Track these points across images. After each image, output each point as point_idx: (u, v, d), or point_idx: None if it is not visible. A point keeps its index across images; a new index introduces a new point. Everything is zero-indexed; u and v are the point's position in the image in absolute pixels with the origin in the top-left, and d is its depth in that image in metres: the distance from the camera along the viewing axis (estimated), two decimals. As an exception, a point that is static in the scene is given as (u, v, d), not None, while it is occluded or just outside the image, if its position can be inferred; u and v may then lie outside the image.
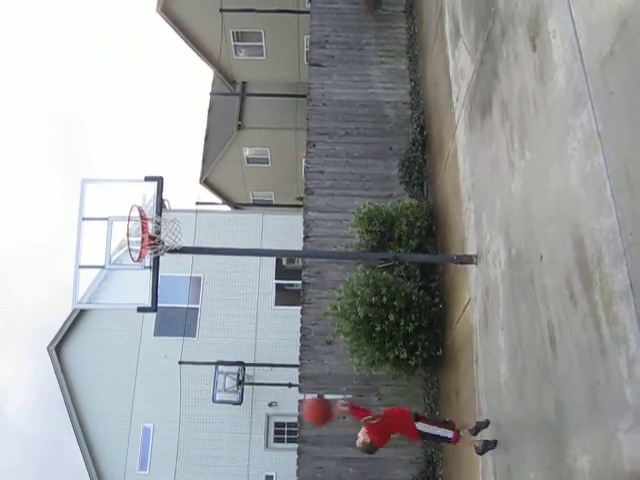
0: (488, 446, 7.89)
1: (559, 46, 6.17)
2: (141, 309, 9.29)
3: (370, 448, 7.89)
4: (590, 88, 5.48)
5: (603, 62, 5.24)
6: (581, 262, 5.61)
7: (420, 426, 7.91)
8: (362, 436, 7.86)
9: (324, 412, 7.90)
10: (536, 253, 6.75)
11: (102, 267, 9.71)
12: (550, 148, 6.38)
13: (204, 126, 31.28)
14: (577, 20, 5.76)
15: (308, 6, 19.15)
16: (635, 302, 4.69)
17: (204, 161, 30.50)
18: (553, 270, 6.29)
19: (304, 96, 16.38)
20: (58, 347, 21.22)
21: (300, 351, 13.10)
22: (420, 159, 13.60)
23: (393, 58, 15.79)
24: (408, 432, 8.01)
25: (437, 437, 8.08)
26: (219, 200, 31.46)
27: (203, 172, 30.26)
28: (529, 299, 6.95)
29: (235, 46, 25.16)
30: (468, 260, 9.34)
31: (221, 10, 22.35)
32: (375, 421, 7.73)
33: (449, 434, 7.94)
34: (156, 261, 9.04)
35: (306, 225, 13.90)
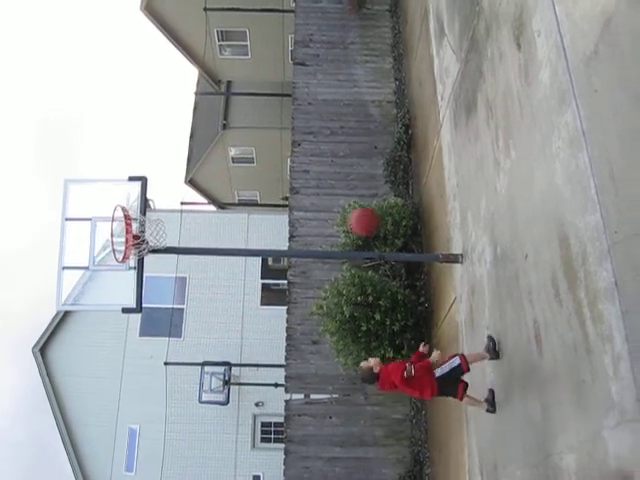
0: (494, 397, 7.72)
1: (543, 45, 6.18)
2: (126, 310, 9.23)
3: (371, 378, 7.79)
4: (574, 87, 5.49)
5: (587, 61, 5.25)
6: (566, 260, 5.62)
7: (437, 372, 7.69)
8: (374, 363, 7.75)
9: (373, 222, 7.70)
10: (521, 252, 6.76)
11: (86, 268, 9.65)
12: (535, 147, 6.39)
13: (189, 125, 31.17)
14: (561, 19, 5.77)
15: (293, 5, 19.12)
16: (620, 300, 4.70)
17: (189, 161, 30.38)
18: (538, 269, 6.30)
19: (289, 95, 16.35)
20: (43, 349, 21.06)
21: (286, 351, 13.07)
22: (405, 158, 13.60)
23: (378, 57, 15.79)
24: (427, 387, 7.68)
25: (451, 374, 7.67)
26: (204, 200, 31.35)
27: (188, 172, 30.14)
28: (514, 298, 6.96)
29: (220, 45, 25.07)
30: (453, 259, 9.35)
31: (205, 9, 22.27)
32: (408, 375, 7.51)
33: (456, 361, 7.64)
34: (140, 262, 8.98)
35: (291, 225, 13.88)
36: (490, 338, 7.73)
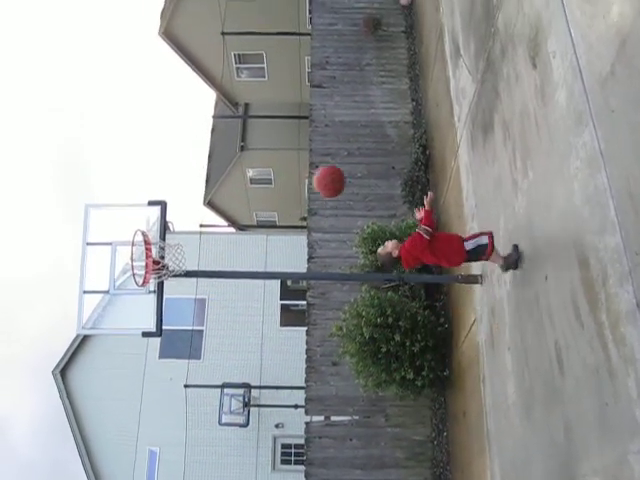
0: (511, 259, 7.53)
1: (559, 66, 6.18)
2: (146, 334, 9.26)
3: (390, 262, 7.79)
4: (591, 107, 5.48)
5: (603, 82, 5.25)
6: (586, 282, 5.58)
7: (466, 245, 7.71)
8: (391, 246, 7.66)
9: (337, 180, 7.77)
10: (541, 273, 6.72)
11: (106, 292, 9.68)
12: (553, 167, 6.37)
13: (207, 148, 31.41)
14: (577, 40, 5.78)
15: (309, 28, 19.27)
16: (642, 322, 4.66)
17: (207, 183, 30.57)
18: (558, 290, 6.25)
19: (306, 117, 16.43)
20: (63, 371, 21.18)
21: (306, 373, 13.04)
22: (423, 178, 13.60)
23: (394, 78, 15.84)
24: (455, 255, 7.76)
25: (478, 249, 7.73)
26: (223, 222, 31.50)
27: (207, 194, 30.33)
28: (535, 319, 6.91)
29: (237, 68, 25.31)
30: (473, 280, 9.31)
31: (223, 33, 22.52)
32: (427, 236, 7.50)
33: (484, 240, 7.66)
34: (160, 285, 9.02)
35: (310, 246, 13.90)
36: (515, 248, 7.52)
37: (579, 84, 5.70)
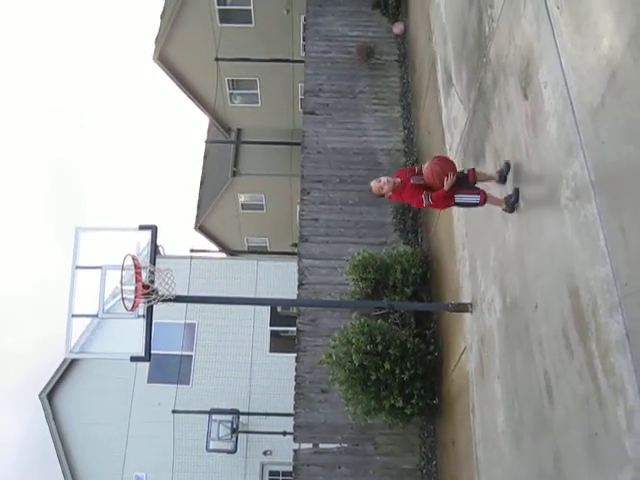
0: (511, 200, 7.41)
1: (550, 96, 6.24)
2: (134, 359, 9.20)
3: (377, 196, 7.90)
4: (582, 138, 5.53)
5: (594, 113, 5.30)
6: (576, 311, 5.59)
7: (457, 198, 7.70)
8: (386, 189, 7.78)
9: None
10: (531, 302, 6.73)
11: (95, 316, 9.65)
12: (543, 197, 6.41)
13: (199, 172, 31.45)
14: (567, 71, 5.84)
15: (302, 55, 19.43)
16: (632, 352, 4.66)
17: (199, 207, 30.57)
18: (548, 319, 6.26)
19: (299, 144, 16.50)
20: (50, 395, 20.97)
21: (295, 399, 12.96)
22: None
23: (386, 106, 15.95)
24: (442, 203, 7.81)
25: (468, 204, 7.84)
26: (214, 247, 31.46)
27: (198, 218, 30.32)
28: (525, 348, 6.91)
29: (230, 94, 25.44)
30: (463, 308, 9.32)
31: (217, 59, 22.65)
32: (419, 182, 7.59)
33: (476, 199, 7.64)
34: (150, 310, 8.98)
35: (301, 272, 13.89)
36: (507, 164, 7.54)
37: (570, 115, 5.75)
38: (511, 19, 7.56)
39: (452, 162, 7.84)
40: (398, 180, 7.95)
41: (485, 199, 7.60)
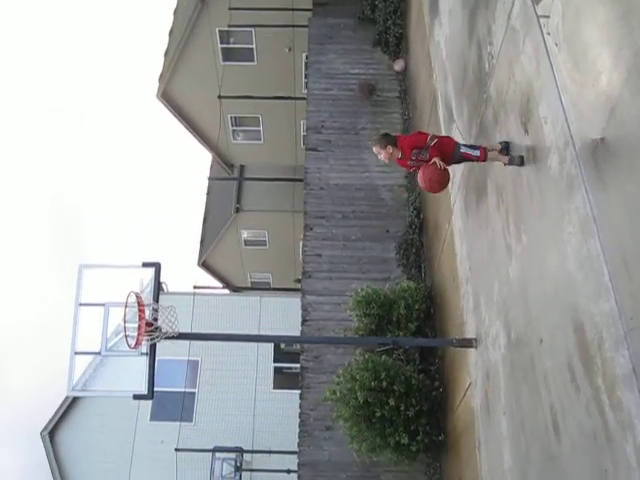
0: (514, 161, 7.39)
1: (551, 132, 6.29)
2: (137, 397, 9.16)
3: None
4: (583, 173, 5.55)
5: (595, 148, 5.33)
6: (582, 346, 5.56)
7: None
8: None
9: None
10: (536, 337, 6.70)
11: (98, 354, 9.62)
12: (546, 232, 6.42)
13: (203, 209, 31.57)
14: (567, 107, 5.89)
15: (304, 92, 19.63)
16: (639, 387, 4.62)
17: (202, 243, 30.65)
18: (554, 354, 6.23)
19: (301, 180, 16.58)
20: (52, 432, 20.82)
21: (299, 437, 12.86)
22: (417, 242, 13.67)
23: (388, 142, 16.03)
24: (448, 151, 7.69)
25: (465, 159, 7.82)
26: (217, 283, 31.46)
27: (201, 254, 30.37)
28: (530, 383, 6.86)
29: (233, 131, 25.67)
30: (467, 344, 9.27)
31: (219, 97, 22.88)
32: (435, 140, 7.55)
33: (476, 152, 7.65)
34: (153, 348, 8.97)
35: (304, 309, 13.86)
36: (506, 143, 7.62)
37: (571, 150, 5.78)
38: (510, 56, 7.65)
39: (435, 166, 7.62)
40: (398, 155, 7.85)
41: (486, 155, 7.64)
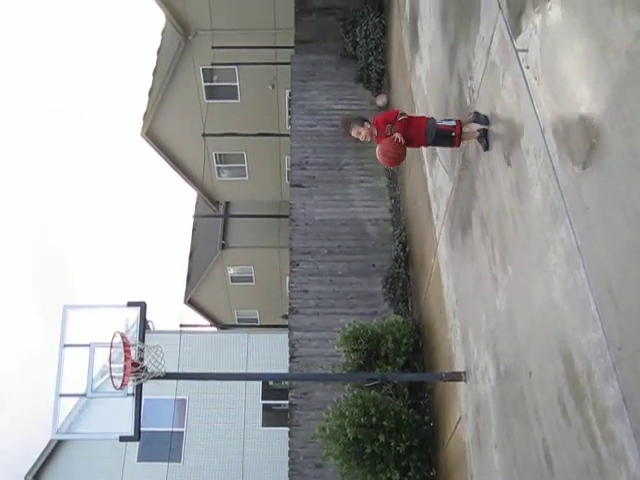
0: (486, 134, 7.75)
1: (533, 163, 6.33)
2: (124, 439, 9.01)
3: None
4: (567, 204, 5.58)
5: (577, 179, 5.36)
6: (571, 377, 5.54)
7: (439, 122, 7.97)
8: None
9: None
10: (525, 369, 6.68)
11: (83, 395, 9.49)
12: (531, 263, 6.43)
13: (188, 246, 31.53)
14: (548, 139, 5.94)
15: (288, 129, 19.74)
16: (630, 418, 4.59)
17: (188, 281, 30.56)
18: (543, 386, 6.20)
19: (286, 216, 16.60)
20: (36, 476, 20.47)
21: (289, 475, 12.70)
22: (403, 275, 13.67)
23: (373, 177, 16.14)
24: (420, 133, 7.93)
25: (446, 133, 7.94)
26: (204, 320, 31.32)
27: (187, 292, 30.27)
28: (521, 416, 6.82)
29: (218, 168, 25.76)
30: (456, 377, 9.22)
31: (204, 135, 22.98)
32: (403, 117, 7.81)
33: (452, 122, 7.93)
34: (139, 388, 8.85)
35: (291, 345, 13.78)
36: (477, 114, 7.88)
37: (553, 181, 5.82)
38: (491, 90, 7.73)
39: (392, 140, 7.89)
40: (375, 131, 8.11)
41: (461, 127, 7.91)
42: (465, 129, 8.00)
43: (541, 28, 6.16)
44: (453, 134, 8.00)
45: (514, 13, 6.92)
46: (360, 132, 8.13)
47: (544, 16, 6.09)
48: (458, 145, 8.15)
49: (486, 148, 7.83)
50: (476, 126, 7.96)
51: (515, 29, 6.87)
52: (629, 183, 4.58)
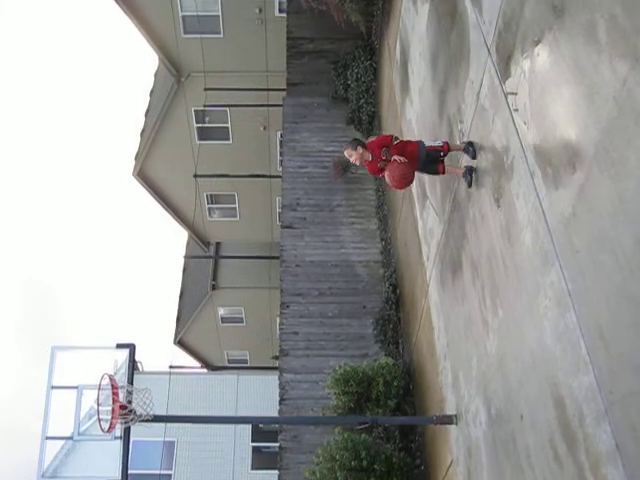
0: (471, 172, 8.00)
1: (523, 207, 6.38)
2: (110, 483, 8.88)
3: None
4: (556, 247, 5.61)
5: (566, 222, 5.40)
6: (563, 421, 5.51)
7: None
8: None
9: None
10: (516, 412, 6.64)
11: (70, 438, 9.36)
12: (522, 306, 6.43)
13: (179, 286, 31.43)
14: (538, 183, 5.99)
15: (280, 170, 19.85)
16: (623, 463, 4.56)
17: (178, 321, 30.38)
18: (535, 430, 6.16)
19: (277, 257, 16.60)
20: (21, 524, 20.10)
21: (279, 522, 12.48)
22: (394, 317, 13.64)
23: (363, 218, 16.21)
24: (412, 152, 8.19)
25: (435, 154, 8.28)
26: (194, 361, 31.10)
27: (177, 332, 30.08)
28: (513, 460, 6.76)
29: (209, 208, 25.80)
30: (448, 420, 9.15)
31: (195, 176, 23.06)
32: (398, 140, 8.20)
33: (439, 142, 8.32)
34: (127, 431, 8.74)
35: (282, 387, 13.66)
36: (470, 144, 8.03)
37: (543, 225, 5.86)
38: (481, 133, 7.82)
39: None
40: (368, 157, 8.37)
41: (449, 147, 8.26)
42: (450, 161, 8.34)
43: (529, 73, 6.27)
44: (442, 154, 8.31)
45: (503, 58, 7.04)
46: (352, 155, 8.40)
47: (532, 61, 6.20)
48: (443, 173, 8.42)
49: (470, 185, 8.00)
50: (464, 160, 8.12)
51: (504, 74, 6.98)
52: (618, 228, 4.62)
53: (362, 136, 17.69)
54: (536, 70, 6.11)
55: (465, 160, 8.33)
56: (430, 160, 8.31)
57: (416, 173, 8.43)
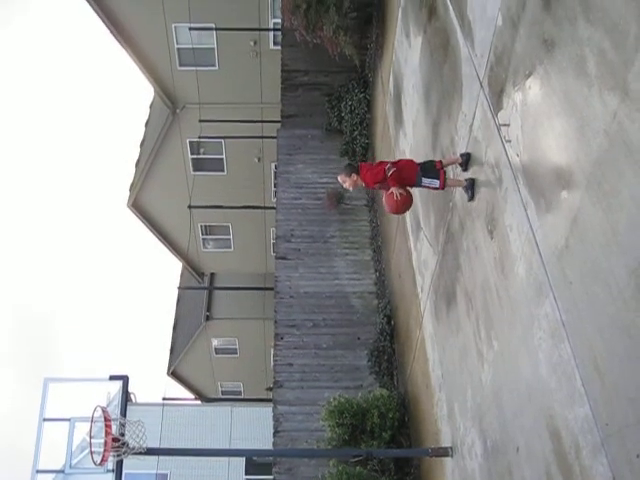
0: (473, 185, 7.90)
1: (516, 239, 6.41)
2: (102, 518, 8.76)
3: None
4: (550, 279, 5.63)
5: (560, 254, 5.43)
6: (559, 453, 5.49)
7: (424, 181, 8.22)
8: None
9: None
10: (512, 444, 6.60)
11: (61, 472, 9.26)
12: (517, 338, 6.43)
13: (172, 317, 31.31)
14: (531, 215, 6.04)
15: (274, 201, 19.90)
16: (620, 496, 4.54)
17: (172, 352, 30.22)
18: (531, 462, 6.12)
19: (271, 288, 16.56)
20: None
21: None
22: (389, 348, 13.59)
23: (357, 249, 16.22)
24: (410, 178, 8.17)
25: (429, 164, 8.34)
26: (187, 393, 30.86)
27: (171, 363, 29.89)
28: (509, 494, 6.71)
29: (203, 239, 25.81)
30: (443, 453, 9.09)
31: (189, 207, 23.09)
32: (392, 170, 8.04)
33: (436, 183, 8.16)
34: (119, 464, 8.65)
35: (276, 419, 13.54)
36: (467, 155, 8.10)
37: (537, 256, 5.89)
38: (474, 166, 7.88)
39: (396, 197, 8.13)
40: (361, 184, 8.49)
41: (444, 180, 8.20)
42: (450, 175, 8.35)
43: (521, 106, 6.34)
44: (434, 162, 8.37)
45: (495, 91, 7.13)
46: (345, 181, 8.47)
47: (524, 94, 6.27)
48: (443, 188, 8.31)
49: (471, 198, 7.97)
50: (464, 174, 8.17)
51: (497, 106, 7.06)
52: (611, 259, 4.65)
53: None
54: (528, 103, 6.18)
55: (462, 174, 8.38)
56: (426, 170, 8.32)
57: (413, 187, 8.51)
